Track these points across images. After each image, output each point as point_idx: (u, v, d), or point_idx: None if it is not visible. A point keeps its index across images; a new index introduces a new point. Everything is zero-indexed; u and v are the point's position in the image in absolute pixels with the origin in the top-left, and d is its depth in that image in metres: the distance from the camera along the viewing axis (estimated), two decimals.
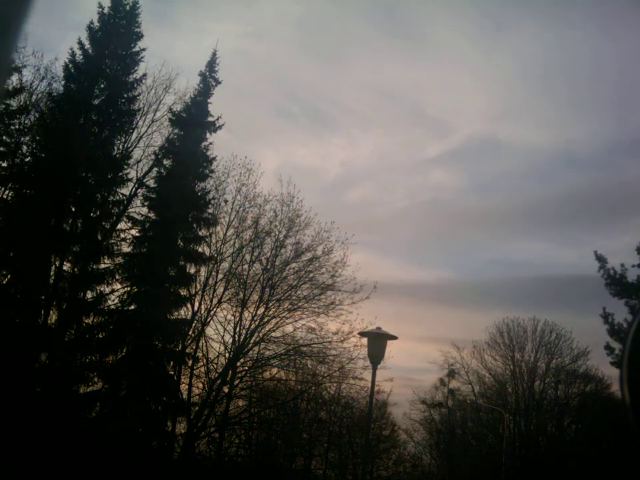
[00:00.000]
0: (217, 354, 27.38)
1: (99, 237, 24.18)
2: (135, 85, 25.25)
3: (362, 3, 57.67)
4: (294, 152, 56.33)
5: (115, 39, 24.78)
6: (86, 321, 23.51)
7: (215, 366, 27.24)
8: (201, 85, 26.33)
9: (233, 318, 27.29)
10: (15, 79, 23.05)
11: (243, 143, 53.62)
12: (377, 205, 58.96)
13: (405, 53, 59.30)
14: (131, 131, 25.91)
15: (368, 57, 57.31)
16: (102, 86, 24.68)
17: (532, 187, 61.25)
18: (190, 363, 25.97)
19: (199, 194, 25.76)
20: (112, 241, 24.38)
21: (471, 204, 60.35)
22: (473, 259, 65.74)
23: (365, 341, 15.66)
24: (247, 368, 27.88)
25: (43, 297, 22.71)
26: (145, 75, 25.58)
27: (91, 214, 24.34)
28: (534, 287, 58.06)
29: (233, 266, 27.41)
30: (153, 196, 25.25)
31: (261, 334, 27.31)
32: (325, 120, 57.22)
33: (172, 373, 25.07)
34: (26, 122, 24.39)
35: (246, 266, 27.45)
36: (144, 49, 25.29)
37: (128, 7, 25.26)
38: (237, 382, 27.68)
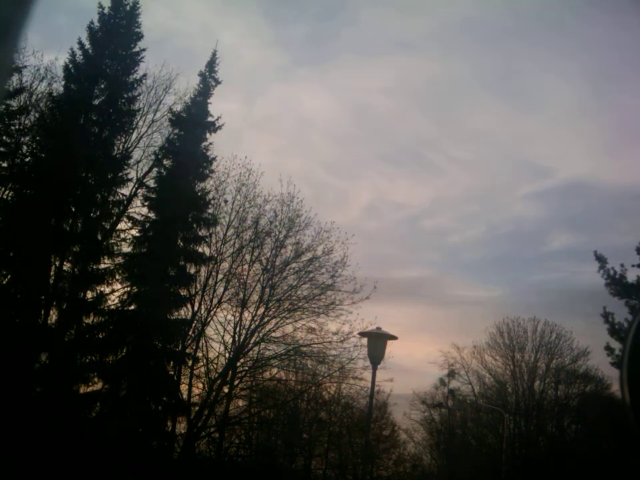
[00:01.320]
0: (217, 354, 27.42)
1: (99, 237, 24.19)
2: (135, 85, 25.26)
3: (476, 61, 60.55)
4: (390, 189, 61.47)
5: (115, 39, 24.79)
6: (86, 321, 23.51)
7: (215, 366, 27.26)
8: (201, 85, 26.34)
9: (232, 318, 27.32)
10: (15, 79, 23.07)
11: (342, 178, 59.30)
12: (451, 232, 63.09)
13: (509, 104, 62.99)
14: (131, 131, 25.93)
15: (473, 106, 60.75)
16: (102, 86, 24.69)
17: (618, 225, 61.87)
18: (190, 363, 25.97)
19: (199, 194, 25.77)
20: (112, 241, 24.40)
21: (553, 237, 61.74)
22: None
23: (365, 341, 15.67)
24: (247, 368, 27.89)
25: (43, 297, 22.72)
26: (145, 75, 25.63)
27: (91, 214, 24.35)
28: None
29: (233, 266, 27.43)
30: (153, 196, 25.25)
31: (260, 334, 27.32)
32: (425, 163, 61.71)
33: (172, 372, 25.07)
34: (26, 122, 24.42)
35: (246, 266, 27.48)
36: (144, 49, 25.36)
37: (128, 7, 25.27)
38: (237, 382, 27.69)
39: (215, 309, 27.10)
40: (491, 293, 66.11)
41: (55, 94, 24.43)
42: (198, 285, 26.75)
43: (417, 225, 61.51)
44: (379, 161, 62.69)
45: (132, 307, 24.37)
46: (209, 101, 26.38)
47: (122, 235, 24.93)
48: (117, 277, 24.21)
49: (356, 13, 60.83)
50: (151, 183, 25.80)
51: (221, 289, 27.28)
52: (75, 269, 23.76)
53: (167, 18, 49.33)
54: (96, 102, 24.47)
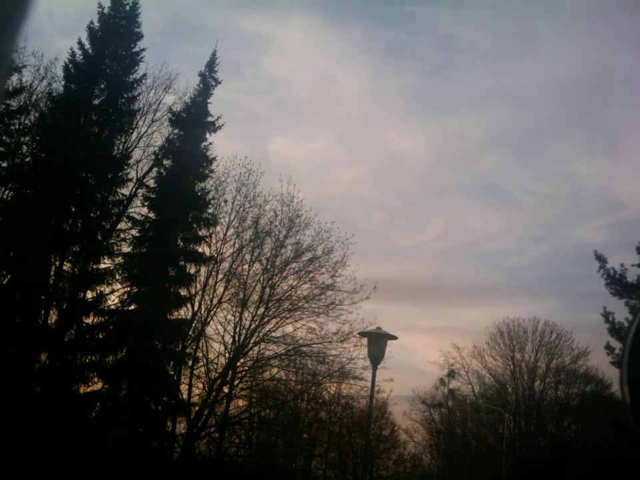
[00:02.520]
0: (217, 354, 27.41)
1: (99, 237, 24.18)
2: (135, 85, 25.25)
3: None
4: (463, 219, 65.50)
5: (115, 39, 24.79)
6: (86, 321, 23.51)
7: (215, 366, 27.26)
8: (201, 85, 26.35)
9: (232, 318, 27.31)
10: (14, 79, 23.04)
11: (417, 208, 63.21)
12: (511, 254, 65.37)
13: (591, 142, 65.43)
14: (130, 131, 25.90)
15: (558, 145, 64.27)
16: (102, 86, 24.69)
17: None
18: (190, 363, 25.97)
19: (199, 194, 25.77)
20: (112, 241, 24.39)
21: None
22: None
23: (365, 341, 15.67)
24: (247, 368, 27.89)
25: (43, 297, 22.71)
26: (145, 75, 25.61)
27: (91, 214, 24.34)
28: None
29: (233, 266, 27.43)
30: (153, 196, 25.26)
31: (261, 334, 27.32)
32: (501, 195, 64.54)
33: (172, 372, 25.06)
34: (26, 122, 24.39)
35: (246, 266, 27.48)
36: (144, 49, 25.34)
37: (128, 7, 25.27)
38: (236, 382, 27.69)
39: (215, 309, 27.13)
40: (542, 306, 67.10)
41: (54, 94, 24.43)
42: (198, 285, 26.78)
43: (480, 248, 64.21)
44: (456, 191, 66.41)
45: (132, 307, 24.37)
46: (208, 100, 26.42)
47: (122, 235, 24.93)
48: (117, 276, 24.22)
49: (457, 69, 64.76)
50: (151, 183, 25.83)
51: (221, 289, 27.31)
52: (75, 269, 23.75)
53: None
54: (96, 102, 24.47)
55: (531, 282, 63.09)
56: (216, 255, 27.19)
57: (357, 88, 61.82)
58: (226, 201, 27.32)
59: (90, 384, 23.11)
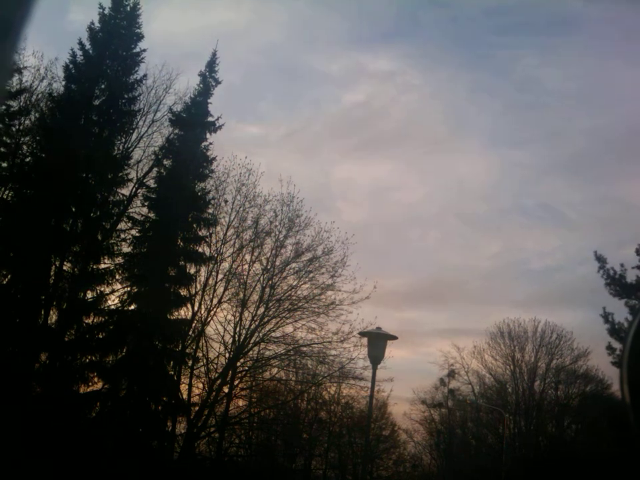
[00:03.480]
0: (217, 354, 27.42)
1: (99, 237, 24.19)
2: (136, 86, 25.26)
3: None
4: (521, 242, 66.45)
5: (116, 39, 24.79)
6: (86, 321, 23.52)
7: (215, 366, 27.27)
8: (201, 85, 26.35)
9: (232, 318, 27.33)
10: (15, 79, 23.03)
11: (475, 226, 64.09)
12: (558, 271, 66.24)
13: None
14: (131, 131, 25.90)
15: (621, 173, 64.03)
16: (102, 86, 24.70)
17: None
18: (190, 363, 25.98)
19: (199, 194, 25.77)
20: (112, 241, 24.40)
21: None
22: None
23: (365, 341, 15.67)
24: (246, 368, 27.90)
25: (43, 297, 22.72)
26: (145, 75, 25.61)
27: (91, 214, 24.34)
28: None
29: (233, 266, 27.44)
30: (153, 196, 25.26)
31: (261, 334, 27.33)
32: (559, 216, 64.93)
33: (172, 372, 25.07)
34: (26, 122, 24.41)
35: (246, 266, 27.49)
36: (144, 50, 25.33)
37: (129, 8, 25.27)
38: (236, 382, 27.70)
39: (215, 309, 27.14)
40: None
41: (55, 94, 24.42)
42: (198, 285, 26.78)
43: (526, 265, 64.46)
44: (515, 213, 67.52)
45: (132, 307, 24.38)
46: (209, 100, 26.42)
47: (122, 235, 24.94)
48: (117, 276, 24.23)
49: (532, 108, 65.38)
50: (151, 183, 25.84)
51: (221, 289, 27.32)
52: (75, 269, 23.75)
53: None
54: (96, 102, 24.47)
55: (574, 294, 63.80)
56: (216, 255, 27.23)
57: (430, 119, 64.42)
58: (226, 201, 27.37)
59: (90, 384, 23.13)
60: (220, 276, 27.38)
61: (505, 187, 66.17)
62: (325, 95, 63.00)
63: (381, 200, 62.87)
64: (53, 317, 23.17)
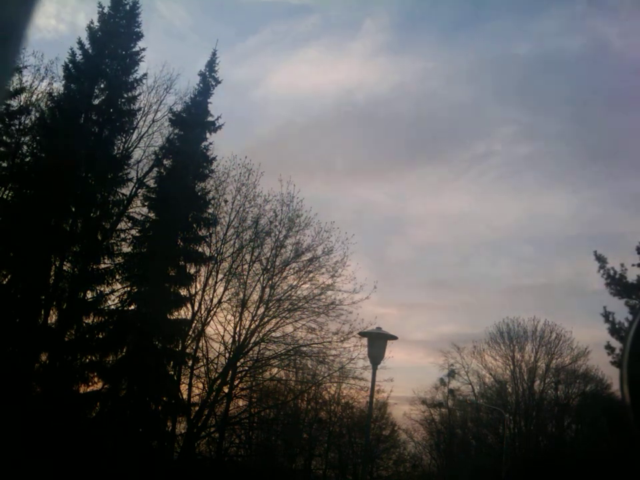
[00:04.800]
0: (217, 354, 27.42)
1: (99, 237, 24.18)
2: (135, 85, 25.26)
3: None
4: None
5: (115, 38, 24.78)
6: (86, 321, 23.52)
7: (215, 366, 27.27)
8: (201, 85, 26.35)
9: (232, 318, 27.33)
10: (15, 79, 23.00)
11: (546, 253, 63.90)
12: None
13: None
14: (131, 131, 25.89)
15: None
16: (102, 86, 24.69)
17: None
18: (190, 363, 25.97)
19: (199, 194, 25.77)
20: (112, 241, 24.40)
21: None
22: None
23: (365, 341, 15.67)
24: (247, 368, 27.89)
25: (43, 297, 22.71)
26: (145, 74, 25.60)
27: (91, 214, 24.34)
28: None
29: (233, 266, 27.43)
30: (153, 196, 25.26)
31: (261, 334, 27.33)
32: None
33: (172, 372, 25.07)
34: (26, 122, 24.40)
35: (246, 266, 27.49)
36: (144, 49, 25.33)
37: (128, 7, 25.26)
38: (236, 382, 27.69)
39: (215, 309, 27.14)
40: None
41: (55, 94, 24.43)
42: (198, 285, 26.78)
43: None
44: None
45: (132, 307, 24.38)
46: (209, 100, 26.43)
47: (122, 235, 24.93)
48: (117, 276, 24.22)
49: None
50: (151, 183, 25.83)
51: (221, 289, 27.33)
52: (75, 269, 23.75)
53: None
54: (96, 102, 24.47)
55: None
56: (216, 255, 27.23)
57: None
58: (226, 201, 27.36)
59: (90, 384, 23.12)
60: (220, 276, 27.42)
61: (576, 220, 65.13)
62: None
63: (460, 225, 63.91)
64: (53, 316, 23.18)
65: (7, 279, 22.51)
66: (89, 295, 23.93)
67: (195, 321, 26.56)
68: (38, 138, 24.16)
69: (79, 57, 24.32)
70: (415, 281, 66.39)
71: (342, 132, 60.88)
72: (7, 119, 23.41)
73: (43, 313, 22.58)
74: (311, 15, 60.70)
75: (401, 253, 64.29)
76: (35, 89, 24.76)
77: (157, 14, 53.19)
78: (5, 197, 23.75)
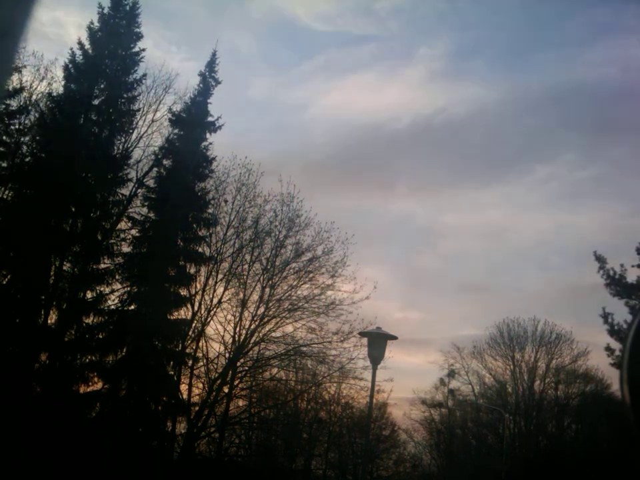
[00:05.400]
0: (217, 354, 27.42)
1: (99, 237, 24.18)
2: (135, 85, 25.27)
3: None
4: None
5: (115, 39, 24.78)
6: (86, 321, 23.52)
7: (215, 366, 27.27)
8: (201, 85, 26.36)
9: (233, 318, 27.32)
10: (15, 79, 23.03)
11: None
12: None
13: None
14: (130, 131, 25.91)
15: None
16: (102, 86, 24.70)
17: None
18: (190, 363, 25.98)
19: (199, 194, 25.77)
20: (112, 241, 24.39)
21: None
22: None
23: (365, 341, 15.67)
24: (247, 368, 27.89)
25: (43, 297, 22.71)
26: (145, 75, 25.62)
27: (91, 214, 24.34)
28: None
29: (233, 266, 27.43)
30: (153, 196, 25.26)
31: (261, 334, 27.32)
32: None
33: (172, 372, 25.07)
34: (26, 122, 24.41)
35: (246, 266, 27.48)
36: (144, 49, 25.36)
37: (128, 8, 25.27)
38: (236, 382, 27.69)
39: (215, 309, 27.13)
40: None
41: (54, 94, 24.43)
42: (198, 285, 26.78)
43: None
44: None
45: (132, 307, 24.37)
46: (209, 100, 26.43)
47: (122, 235, 24.93)
48: (117, 276, 24.22)
49: None
50: (151, 183, 25.83)
51: (221, 289, 27.32)
52: (75, 269, 23.75)
53: None
54: (96, 102, 24.47)
55: None
56: (216, 255, 27.22)
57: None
58: (226, 201, 27.36)
59: (90, 384, 23.12)
60: (220, 276, 27.41)
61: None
62: None
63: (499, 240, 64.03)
64: (53, 316, 23.18)
65: (6, 279, 22.51)
66: (89, 294, 23.94)
67: (195, 321, 26.58)
68: (38, 138, 24.16)
69: (78, 57, 24.32)
70: (443, 287, 67.93)
71: (390, 152, 62.40)
72: (6, 119, 23.42)
73: (43, 312, 22.58)
74: (368, 44, 62.97)
75: (431, 262, 65.53)
76: (35, 89, 24.80)
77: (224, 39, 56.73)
78: (5, 197, 23.75)
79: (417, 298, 65.00)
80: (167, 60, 59.19)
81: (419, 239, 66.37)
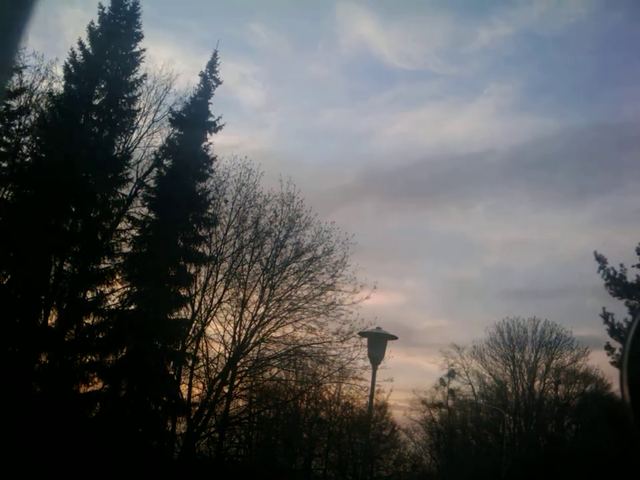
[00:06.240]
0: (217, 354, 27.44)
1: (99, 237, 24.17)
2: (135, 85, 25.25)
3: None
4: None
5: (116, 39, 24.78)
6: (86, 321, 23.52)
7: (215, 366, 27.28)
8: (202, 85, 26.34)
9: (233, 318, 27.34)
10: (15, 79, 23.03)
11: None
12: None
13: None
14: (131, 131, 25.90)
15: None
16: (102, 86, 24.69)
17: None
18: (190, 363, 25.97)
19: (199, 194, 25.77)
20: (112, 241, 24.39)
21: None
22: None
23: (365, 341, 15.67)
24: (247, 368, 27.89)
25: (43, 297, 22.71)
26: (145, 75, 25.60)
27: (91, 214, 24.34)
28: None
29: (233, 266, 27.43)
30: (153, 196, 25.25)
31: (260, 334, 27.33)
32: None
33: (172, 372, 25.08)
34: (26, 122, 24.42)
35: (246, 266, 27.49)
36: (144, 50, 25.33)
37: (128, 8, 25.27)
38: (236, 382, 27.69)
39: (215, 309, 27.14)
40: None
41: (55, 94, 24.41)
42: (198, 285, 26.78)
43: None
44: None
45: (132, 307, 24.36)
46: (209, 101, 26.42)
47: (122, 235, 24.92)
48: (117, 277, 24.21)
49: None
50: (151, 183, 25.81)
51: (221, 289, 27.33)
52: (75, 269, 23.74)
53: None
54: (96, 102, 24.47)
55: None
56: (216, 255, 27.22)
57: None
58: (226, 201, 27.36)
59: (90, 384, 23.11)
60: (220, 276, 27.42)
61: None
62: None
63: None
64: (53, 317, 23.19)
65: (7, 279, 22.51)
66: (89, 295, 23.94)
67: (195, 321, 26.58)
68: (38, 138, 24.16)
69: (79, 58, 24.32)
70: (483, 296, 69.60)
71: (449, 175, 64.85)
72: (7, 119, 23.42)
73: (43, 313, 22.58)
74: (438, 79, 66.34)
75: (472, 273, 68.24)
76: (35, 89, 24.80)
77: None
78: (5, 197, 23.75)
79: (454, 307, 67.51)
80: (250, 94, 61.09)
81: (463, 254, 69.63)
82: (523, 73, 67.50)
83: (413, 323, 64.94)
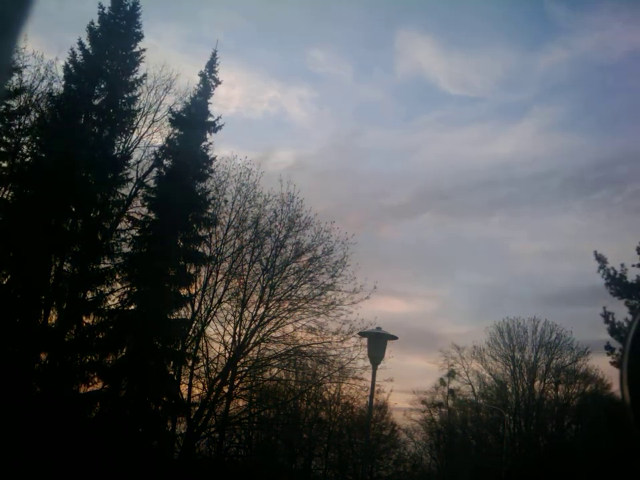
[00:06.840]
0: (217, 354, 27.44)
1: (99, 237, 24.17)
2: (135, 85, 25.26)
3: None
4: None
5: (116, 39, 24.78)
6: (86, 321, 23.52)
7: (215, 366, 27.28)
8: (201, 85, 26.34)
9: (233, 318, 27.34)
10: (15, 79, 23.02)
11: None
12: None
13: None
14: (131, 131, 25.90)
15: None
16: (102, 86, 24.70)
17: None
18: (190, 363, 25.97)
19: (199, 194, 25.77)
20: (112, 241, 24.39)
21: None
22: None
23: (365, 341, 15.68)
24: (247, 368, 27.89)
25: (43, 297, 22.71)
26: (145, 75, 25.61)
27: (91, 214, 24.34)
28: None
29: (233, 266, 27.44)
30: (153, 196, 25.24)
31: (261, 334, 27.34)
32: None
33: (172, 372, 25.07)
34: (26, 122, 24.39)
35: (246, 266, 27.50)
36: (144, 49, 25.34)
37: (128, 8, 25.27)
38: (237, 382, 27.69)
39: (215, 309, 27.14)
40: None
41: (55, 94, 24.41)
42: (198, 285, 26.78)
43: None
44: None
45: (132, 307, 24.37)
46: (209, 101, 26.42)
47: (122, 235, 24.93)
48: (117, 277, 24.21)
49: None
50: (151, 183, 25.81)
51: (221, 289, 27.33)
52: (75, 269, 23.74)
53: None
54: (96, 102, 24.47)
55: None
56: (216, 255, 27.22)
57: None
58: (226, 201, 27.37)
59: (90, 384, 23.11)
60: (220, 276, 27.42)
61: None
62: None
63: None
64: (53, 317, 23.18)
65: (6, 279, 22.51)
66: (89, 295, 23.93)
67: (195, 321, 26.57)
68: (38, 138, 24.15)
69: (79, 57, 24.33)
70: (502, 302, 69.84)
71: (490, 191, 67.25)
72: (6, 119, 23.41)
73: (43, 313, 22.58)
74: (482, 103, 67.75)
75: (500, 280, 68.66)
76: (35, 89, 24.76)
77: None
78: (5, 197, 23.75)
79: (479, 313, 68.19)
80: (302, 115, 62.62)
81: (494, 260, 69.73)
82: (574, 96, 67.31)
83: (444, 326, 66.95)
